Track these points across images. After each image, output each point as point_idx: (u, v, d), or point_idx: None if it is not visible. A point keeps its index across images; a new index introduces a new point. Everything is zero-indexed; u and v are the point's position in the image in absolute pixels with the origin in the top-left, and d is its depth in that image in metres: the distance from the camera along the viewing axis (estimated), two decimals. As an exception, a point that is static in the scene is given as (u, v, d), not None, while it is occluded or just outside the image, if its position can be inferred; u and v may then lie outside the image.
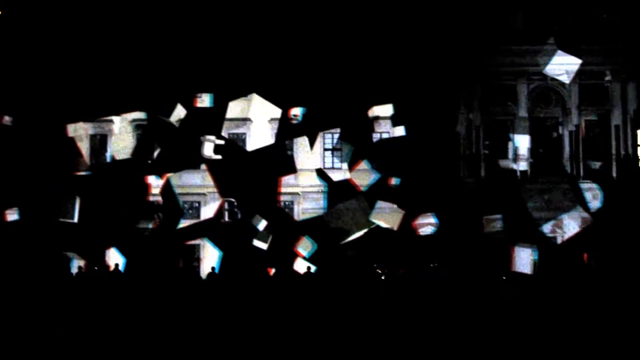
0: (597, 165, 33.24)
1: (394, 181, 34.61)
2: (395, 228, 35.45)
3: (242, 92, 36.61)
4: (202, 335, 18.61)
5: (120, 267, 32.58)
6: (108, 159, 39.82)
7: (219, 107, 35.76)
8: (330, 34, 32.43)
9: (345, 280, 28.27)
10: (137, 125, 39.72)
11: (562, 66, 35.05)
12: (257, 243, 34.19)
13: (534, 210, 37.57)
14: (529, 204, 36.79)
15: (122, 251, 34.25)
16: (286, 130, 35.63)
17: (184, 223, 36.80)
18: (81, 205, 34.80)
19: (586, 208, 35.36)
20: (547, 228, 38.66)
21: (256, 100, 37.84)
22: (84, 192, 35.00)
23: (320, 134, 37.75)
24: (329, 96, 33.69)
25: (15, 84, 34.64)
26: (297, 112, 34.96)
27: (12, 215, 34.38)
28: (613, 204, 32.57)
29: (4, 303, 20.46)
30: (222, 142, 35.77)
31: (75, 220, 34.72)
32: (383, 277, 32.97)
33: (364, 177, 37.54)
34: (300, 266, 34.36)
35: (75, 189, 34.97)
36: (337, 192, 36.24)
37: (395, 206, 35.24)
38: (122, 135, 39.97)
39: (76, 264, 34.58)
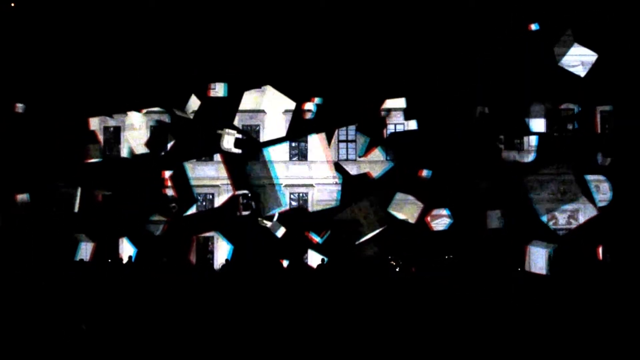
0: (607, 160, 32.85)
1: (425, 173, 34.44)
2: (412, 221, 35.34)
3: (254, 85, 36.61)
4: (202, 334, 18.65)
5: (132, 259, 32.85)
6: (123, 152, 39.98)
7: (233, 99, 35.76)
8: (341, 30, 32.33)
9: (357, 274, 28.18)
10: (151, 118, 39.80)
11: (578, 57, 34.57)
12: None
13: (548, 202, 37.40)
14: (542, 195, 36.67)
15: (134, 242, 34.38)
16: (301, 125, 35.50)
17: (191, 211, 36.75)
18: (90, 195, 34.88)
19: (592, 201, 35.07)
20: (561, 220, 38.59)
21: (270, 91, 37.86)
22: (94, 181, 35.04)
23: (335, 125, 37.67)
24: (343, 91, 33.59)
25: (30, 75, 34.75)
26: (310, 106, 34.85)
27: (22, 200, 34.51)
28: (627, 198, 32.19)
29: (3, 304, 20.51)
30: (240, 135, 35.80)
31: (76, 210, 34.78)
32: (397, 270, 32.97)
33: (377, 167, 37.58)
34: (315, 259, 34.45)
35: (86, 178, 35.02)
36: (353, 185, 36.12)
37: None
38: (135, 127, 40.08)
39: (85, 247, 34.75)
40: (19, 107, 35.12)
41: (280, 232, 34.13)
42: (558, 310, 21.77)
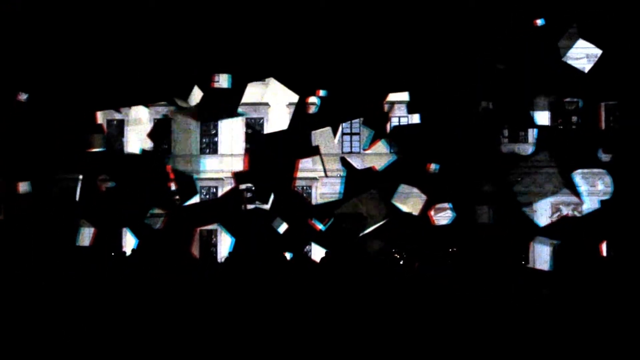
0: (608, 157, 32.73)
1: (433, 167, 34.43)
2: (415, 213, 35.32)
3: (257, 78, 36.50)
4: (201, 333, 18.69)
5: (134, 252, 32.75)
6: (126, 145, 39.97)
7: (236, 91, 35.71)
8: (345, 26, 32.31)
9: (358, 273, 28.16)
10: (156, 111, 39.82)
11: (583, 50, 34.33)
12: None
13: (552, 195, 37.16)
14: (546, 188, 36.49)
15: (136, 234, 34.30)
16: (306, 119, 35.45)
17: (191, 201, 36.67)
18: (93, 184, 34.80)
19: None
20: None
21: (274, 84, 37.76)
22: (97, 171, 34.98)
23: (339, 118, 37.57)
24: (347, 85, 33.56)
25: (35, 68, 34.71)
26: (314, 99, 34.78)
27: (24, 187, 34.43)
28: (629, 194, 32.08)
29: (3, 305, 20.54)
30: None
31: (77, 198, 34.68)
32: (401, 263, 32.96)
33: (382, 160, 37.55)
34: (319, 253, 34.39)
35: (88, 167, 34.96)
36: (357, 179, 36.06)
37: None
38: (143, 121, 40.03)
39: (86, 233, 34.66)
40: (23, 97, 35.10)
41: (282, 227, 34.07)
42: (560, 308, 21.77)
